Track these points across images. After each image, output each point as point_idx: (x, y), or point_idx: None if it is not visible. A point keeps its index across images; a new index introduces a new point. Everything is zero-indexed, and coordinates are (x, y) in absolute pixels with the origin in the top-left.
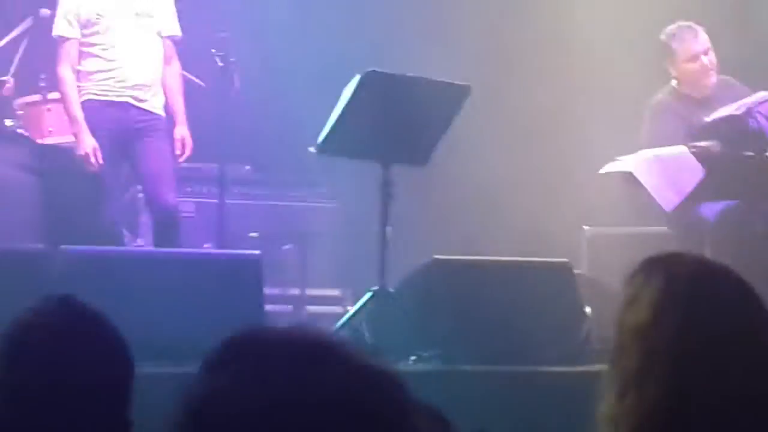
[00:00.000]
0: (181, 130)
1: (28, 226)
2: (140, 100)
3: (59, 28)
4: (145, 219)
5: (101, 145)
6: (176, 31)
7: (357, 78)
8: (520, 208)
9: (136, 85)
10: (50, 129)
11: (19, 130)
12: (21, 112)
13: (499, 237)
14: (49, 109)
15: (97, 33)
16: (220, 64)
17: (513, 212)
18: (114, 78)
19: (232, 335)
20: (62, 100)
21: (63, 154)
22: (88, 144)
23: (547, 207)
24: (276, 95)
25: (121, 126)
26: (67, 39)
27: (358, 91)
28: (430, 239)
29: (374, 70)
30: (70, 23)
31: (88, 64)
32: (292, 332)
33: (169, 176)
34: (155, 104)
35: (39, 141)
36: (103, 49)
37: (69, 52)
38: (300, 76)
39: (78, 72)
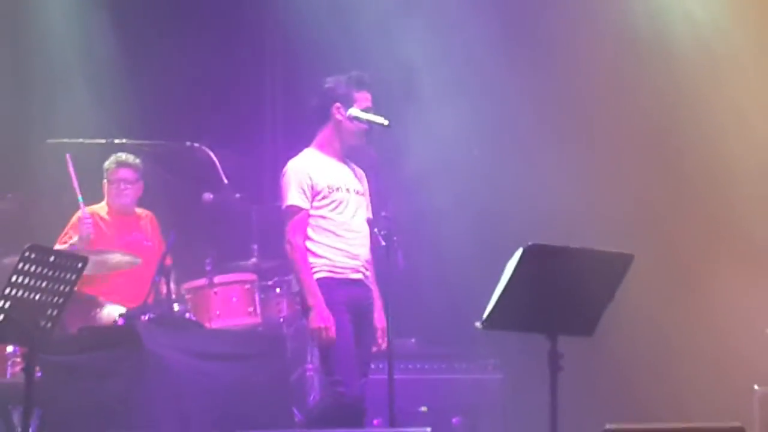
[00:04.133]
0: (381, 319)
1: (200, 412)
2: (367, 277)
3: (293, 198)
4: (314, 397)
5: (340, 320)
6: (370, 213)
7: (520, 251)
8: (690, 372)
9: (364, 262)
10: (217, 312)
11: (187, 315)
12: (188, 296)
13: (670, 402)
14: (215, 293)
15: (328, 206)
16: (383, 243)
17: (682, 376)
18: (347, 254)
19: None
20: (299, 271)
21: (231, 338)
22: (327, 317)
23: (716, 368)
24: (440, 270)
25: (356, 303)
26: (300, 209)
27: (521, 264)
28: (601, 408)
29: (536, 243)
30: (303, 193)
31: (320, 238)
32: None
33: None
34: (372, 280)
35: (207, 325)
36: (335, 225)
37: (301, 223)
38: (464, 250)
39: (308, 248)
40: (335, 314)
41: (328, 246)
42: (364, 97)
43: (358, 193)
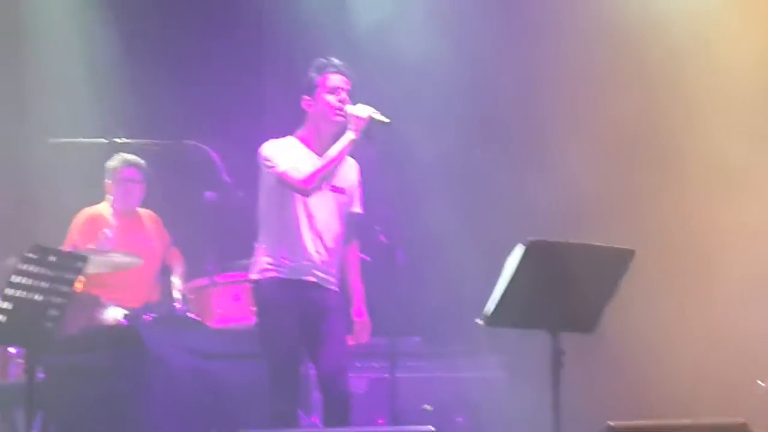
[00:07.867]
0: (360, 313)
1: (203, 411)
2: (324, 279)
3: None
4: (317, 396)
5: (285, 324)
6: (360, 208)
7: (521, 247)
8: (693, 368)
9: (323, 263)
10: (219, 311)
11: (189, 314)
12: (191, 296)
13: (673, 397)
14: (217, 292)
15: (292, 204)
16: (384, 240)
17: (684, 372)
18: (302, 256)
19: None
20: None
21: (232, 338)
22: None
23: (719, 363)
24: (441, 267)
25: (304, 305)
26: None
27: (523, 260)
28: (603, 405)
29: (538, 239)
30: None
31: (275, 236)
32: None
33: (344, 358)
34: (334, 282)
35: (209, 324)
36: (295, 224)
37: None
38: (465, 247)
39: (261, 247)
40: (281, 318)
41: (280, 246)
42: (323, 81)
43: (336, 190)
